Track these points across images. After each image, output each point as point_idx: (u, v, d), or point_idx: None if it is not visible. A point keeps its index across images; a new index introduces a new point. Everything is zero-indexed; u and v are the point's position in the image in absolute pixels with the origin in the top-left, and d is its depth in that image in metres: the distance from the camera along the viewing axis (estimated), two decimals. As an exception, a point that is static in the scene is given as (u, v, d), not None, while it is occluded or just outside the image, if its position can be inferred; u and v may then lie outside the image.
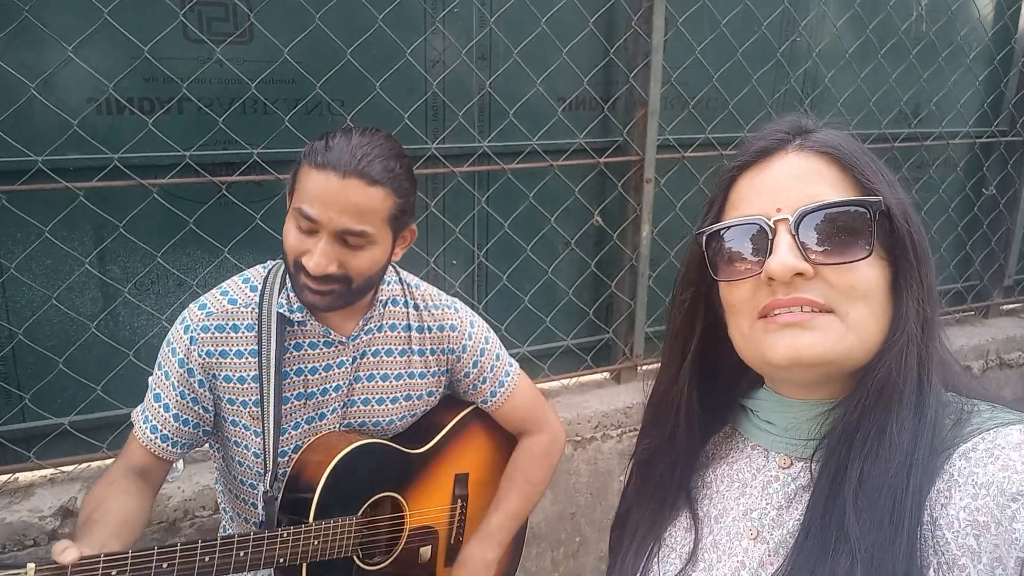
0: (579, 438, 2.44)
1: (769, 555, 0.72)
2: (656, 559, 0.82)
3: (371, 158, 1.18)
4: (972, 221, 3.27)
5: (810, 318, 0.68)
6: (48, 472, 1.95)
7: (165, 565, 1.10)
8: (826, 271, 0.68)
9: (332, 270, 1.20)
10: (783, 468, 0.76)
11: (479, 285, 2.38)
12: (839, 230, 0.68)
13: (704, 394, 0.82)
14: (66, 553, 1.02)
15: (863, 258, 0.67)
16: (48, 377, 1.88)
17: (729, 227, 0.73)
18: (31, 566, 1.01)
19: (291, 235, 1.23)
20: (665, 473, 0.84)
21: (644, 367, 2.63)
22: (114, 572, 1.05)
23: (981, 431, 0.65)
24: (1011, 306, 3.46)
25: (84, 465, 1.97)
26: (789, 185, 0.71)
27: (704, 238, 0.76)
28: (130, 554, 1.07)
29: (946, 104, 3.06)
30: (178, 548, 1.11)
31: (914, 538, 0.62)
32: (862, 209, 0.68)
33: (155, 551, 1.09)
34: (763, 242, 0.70)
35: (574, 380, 2.62)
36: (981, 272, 3.35)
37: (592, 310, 2.56)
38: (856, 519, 0.64)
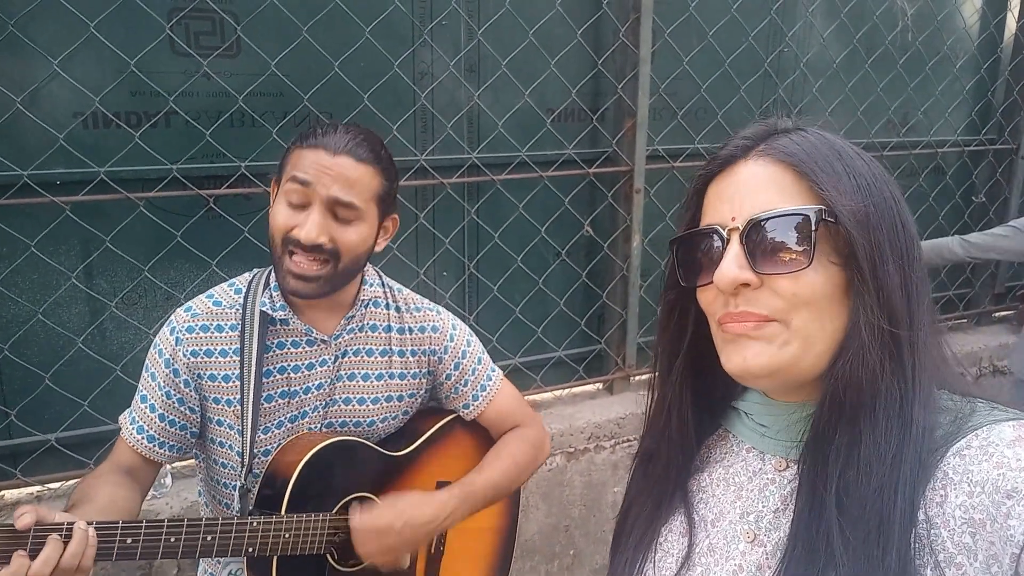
0: (572, 449, 2.43)
1: (767, 558, 0.72)
2: (652, 563, 0.82)
3: (358, 142, 1.26)
4: (962, 228, 3.27)
5: (755, 327, 0.69)
6: (35, 489, 1.93)
7: (129, 540, 1.09)
8: (772, 280, 0.68)
9: (323, 240, 1.23)
10: (779, 471, 0.76)
11: (470, 296, 2.38)
12: (785, 239, 0.68)
13: (699, 394, 0.83)
14: (23, 517, 1.01)
15: (802, 268, 0.67)
16: (34, 393, 1.86)
17: (693, 235, 0.75)
18: None
19: (280, 213, 1.26)
20: (661, 471, 0.84)
21: (636, 377, 2.62)
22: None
23: (974, 428, 0.65)
24: (1003, 313, 3.46)
25: (71, 482, 1.95)
26: (746, 193, 0.71)
27: (675, 245, 0.78)
28: (94, 524, 1.06)
29: (934, 113, 3.08)
30: (143, 525, 1.10)
31: (906, 558, 0.62)
32: (803, 217, 0.67)
33: (119, 525, 1.08)
34: (720, 250, 0.71)
35: (566, 391, 2.61)
36: (972, 280, 3.37)
37: (584, 320, 2.56)
38: (841, 538, 0.63)
